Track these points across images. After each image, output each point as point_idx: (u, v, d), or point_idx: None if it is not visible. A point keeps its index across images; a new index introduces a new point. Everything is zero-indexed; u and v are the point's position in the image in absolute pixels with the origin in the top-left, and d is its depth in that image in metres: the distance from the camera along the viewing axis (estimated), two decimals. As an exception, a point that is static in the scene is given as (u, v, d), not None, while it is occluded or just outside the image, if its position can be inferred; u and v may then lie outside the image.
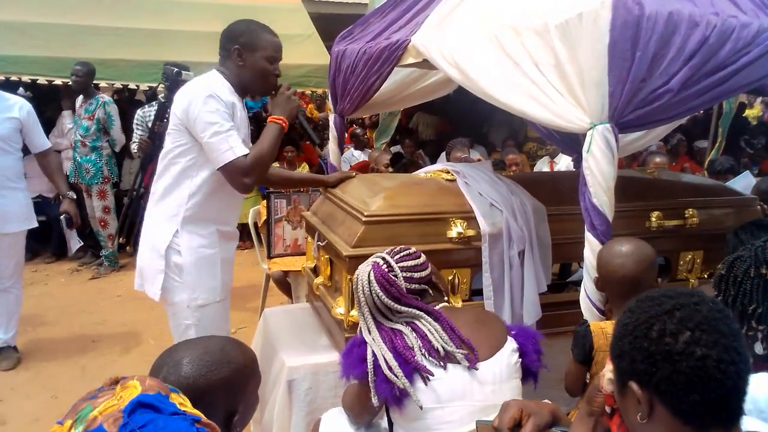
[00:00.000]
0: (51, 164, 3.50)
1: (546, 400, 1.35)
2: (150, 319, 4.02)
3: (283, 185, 3.51)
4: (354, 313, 1.92)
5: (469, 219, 2.18)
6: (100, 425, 0.96)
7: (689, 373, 0.89)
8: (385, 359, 1.47)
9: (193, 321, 2.19)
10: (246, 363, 1.31)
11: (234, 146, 2.04)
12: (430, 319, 1.55)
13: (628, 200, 2.25)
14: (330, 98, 3.10)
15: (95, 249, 5.45)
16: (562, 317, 2.25)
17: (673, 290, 0.99)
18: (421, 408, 1.44)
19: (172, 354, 1.26)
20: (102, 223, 5.17)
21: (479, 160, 4.86)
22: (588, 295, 1.86)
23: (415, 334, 1.51)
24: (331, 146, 3.16)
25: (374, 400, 1.46)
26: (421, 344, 1.49)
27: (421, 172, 2.66)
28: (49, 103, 5.72)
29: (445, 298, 1.69)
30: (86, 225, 5.21)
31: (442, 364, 1.48)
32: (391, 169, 4.44)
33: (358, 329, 1.63)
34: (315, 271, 2.59)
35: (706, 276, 2.47)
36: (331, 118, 3.11)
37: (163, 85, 4.38)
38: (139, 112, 4.74)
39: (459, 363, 1.48)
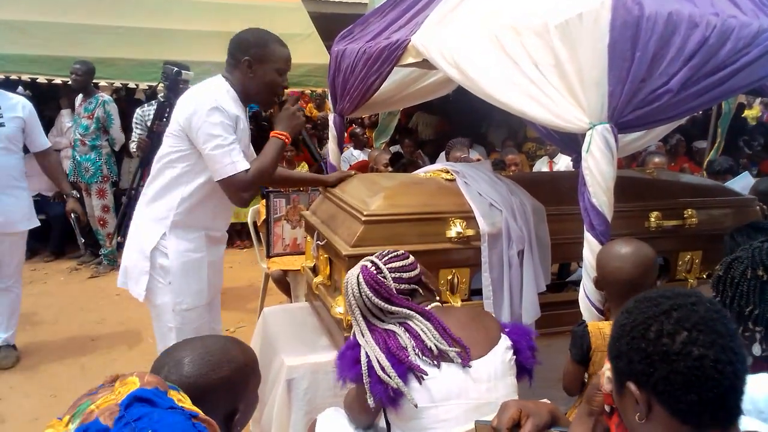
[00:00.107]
0: (52, 164, 3.50)
1: (545, 400, 1.35)
2: (149, 318, 3.94)
3: (283, 184, 3.51)
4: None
5: (469, 219, 2.18)
6: (96, 418, 0.97)
7: (686, 373, 0.89)
8: (377, 360, 1.47)
9: (175, 324, 2.19)
10: (246, 362, 1.32)
11: (236, 160, 2.04)
12: (422, 319, 1.55)
13: (628, 200, 2.25)
14: (329, 98, 3.10)
15: (94, 248, 5.45)
16: (561, 317, 2.25)
17: (671, 291, 0.99)
18: (416, 407, 1.45)
19: (173, 353, 1.26)
20: (101, 222, 5.17)
21: (478, 160, 4.86)
22: (587, 295, 1.86)
23: (408, 335, 1.52)
24: (331, 146, 3.16)
25: (370, 401, 1.47)
26: (414, 344, 1.50)
27: (420, 172, 2.66)
28: (48, 102, 5.71)
29: (437, 298, 1.70)
30: (86, 223, 5.21)
31: (435, 363, 1.48)
32: (390, 169, 4.44)
33: (351, 332, 1.64)
34: (314, 270, 2.59)
35: (704, 276, 2.48)
36: (331, 117, 3.11)
37: (162, 85, 4.38)
38: (138, 111, 4.75)
39: (453, 361, 1.49)
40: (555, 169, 5.56)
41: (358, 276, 1.60)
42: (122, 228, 4.45)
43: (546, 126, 2.44)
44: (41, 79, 5.05)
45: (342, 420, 1.73)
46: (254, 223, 4.18)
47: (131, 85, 5.40)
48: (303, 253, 3.38)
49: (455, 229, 2.15)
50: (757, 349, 1.39)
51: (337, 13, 7.64)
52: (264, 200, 3.91)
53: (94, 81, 5.01)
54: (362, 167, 4.87)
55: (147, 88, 5.45)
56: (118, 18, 5.54)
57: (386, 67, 2.48)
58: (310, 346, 2.34)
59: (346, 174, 2.65)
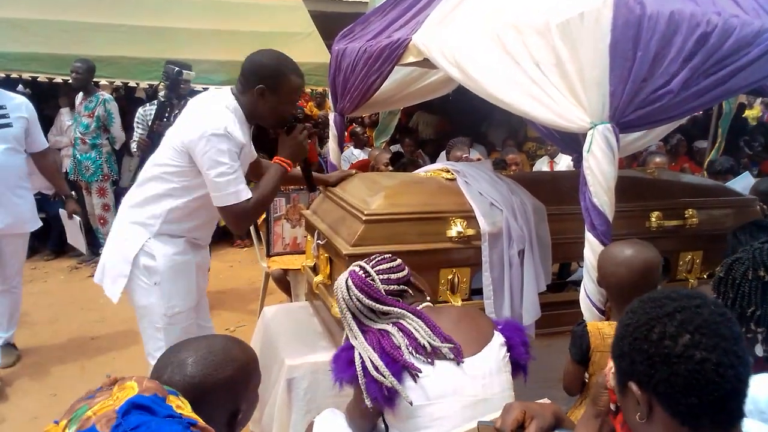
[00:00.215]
0: (50, 164, 3.49)
1: (545, 400, 1.35)
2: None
3: (283, 183, 3.51)
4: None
5: (469, 218, 2.18)
6: (92, 425, 0.96)
7: (687, 375, 0.89)
8: (371, 360, 1.48)
9: (163, 324, 2.19)
10: (248, 361, 1.32)
11: (239, 190, 2.04)
12: (414, 317, 1.56)
13: (628, 200, 2.25)
14: (330, 97, 3.10)
15: (94, 247, 5.45)
16: (562, 317, 2.25)
17: (676, 292, 0.99)
18: (411, 404, 1.45)
19: (176, 354, 1.25)
20: (101, 221, 5.16)
21: (479, 160, 4.86)
22: (588, 295, 1.86)
23: (401, 333, 1.52)
24: (331, 145, 3.15)
25: (367, 402, 1.47)
26: (407, 342, 1.50)
27: (421, 171, 2.66)
28: (48, 100, 5.71)
29: (428, 299, 1.71)
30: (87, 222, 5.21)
31: (429, 360, 1.49)
32: (390, 168, 4.44)
33: (344, 336, 1.65)
34: (314, 269, 2.59)
35: (705, 276, 2.48)
36: (331, 116, 3.10)
37: (163, 84, 4.37)
38: (140, 110, 4.74)
39: (446, 358, 1.49)
40: (556, 168, 5.56)
41: (346, 280, 1.62)
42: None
43: (547, 125, 2.44)
44: (42, 78, 5.05)
45: (339, 421, 1.73)
46: (254, 222, 4.18)
47: (132, 83, 5.40)
48: (303, 253, 3.38)
49: (456, 228, 2.15)
50: (759, 350, 1.39)
51: (338, 11, 7.63)
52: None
53: (94, 79, 5.00)
54: (363, 166, 4.86)
55: (148, 86, 5.44)
56: (118, 16, 5.54)
57: (387, 66, 2.47)
58: (311, 346, 2.33)
59: (346, 173, 2.65)
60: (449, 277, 2.19)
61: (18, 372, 3.40)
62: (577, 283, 2.32)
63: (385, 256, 1.69)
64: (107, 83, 5.32)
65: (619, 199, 1.81)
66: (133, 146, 4.85)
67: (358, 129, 6.59)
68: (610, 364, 1.11)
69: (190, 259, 2.23)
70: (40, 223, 3.50)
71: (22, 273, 3.52)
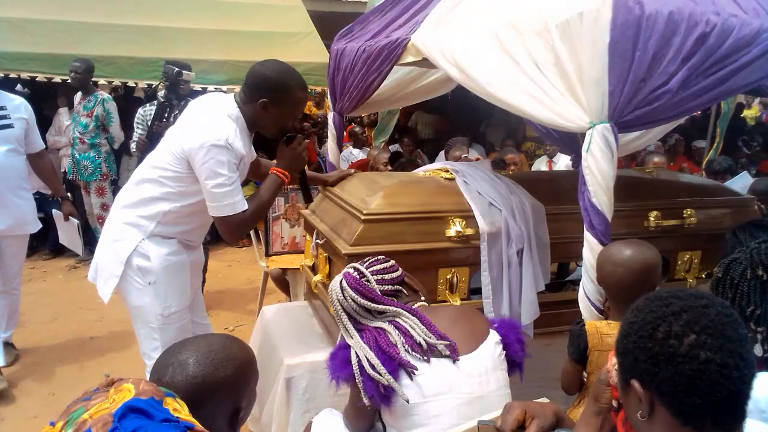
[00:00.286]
0: (47, 165, 3.47)
1: (544, 399, 1.35)
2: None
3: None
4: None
5: (468, 218, 2.18)
6: (88, 429, 0.96)
7: (691, 375, 0.88)
8: (367, 359, 1.49)
9: (158, 324, 2.19)
10: (247, 359, 1.33)
11: (235, 201, 2.04)
12: (410, 315, 1.57)
13: (627, 200, 2.25)
14: (329, 96, 3.10)
15: (93, 246, 5.43)
16: (561, 316, 2.25)
17: (683, 291, 0.98)
18: (407, 402, 1.46)
19: (175, 355, 1.25)
20: (100, 221, 5.16)
21: (478, 159, 4.86)
22: (586, 295, 1.86)
23: (397, 332, 1.54)
24: (330, 144, 3.15)
25: (365, 400, 1.48)
26: (404, 340, 1.51)
27: (419, 171, 2.66)
28: (47, 100, 5.70)
29: (422, 298, 1.72)
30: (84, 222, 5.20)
31: (425, 358, 1.50)
32: (389, 168, 4.44)
33: (339, 336, 1.65)
34: (313, 269, 2.59)
35: (703, 276, 2.48)
36: (330, 116, 3.10)
37: (162, 85, 4.36)
38: (140, 110, 4.74)
39: (442, 356, 1.50)
40: (554, 168, 5.57)
41: (340, 282, 1.63)
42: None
43: (546, 125, 2.44)
44: (40, 77, 5.04)
45: (337, 421, 1.73)
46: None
47: (130, 83, 5.39)
48: (302, 252, 3.38)
49: (455, 228, 2.15)
50: (759, 350, 1.39)
51: (337, 11, 7.63)
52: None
53: (93, 79, 5.00)
54: (363, 166, 4.86)
55: (146, 86, 5.44)
56: (117, 16, 5.54)
57: (386, 65, 2.47)
58: (309, 345, 2.34)
59: (345, 173, 2.65)
60: (448, 277, 2.19)
61: (17, 371, 3.40)
62: (576, 283, 2.33)
63: (379, 257, 1.71)
64: (106, 83, 5.31)
65: (618, 198, 1.81)
66: (133, 146, 4.85)
67: (357, 129, 6.59)
68: (613, 360, 1.11)
69: (184, 259, 2.23)
70: (41, 225, 3.49)
71: (21, 274, 3.52)
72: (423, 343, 1.50)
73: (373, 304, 1.59)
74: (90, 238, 5.42)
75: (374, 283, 1.62)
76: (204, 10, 5.96)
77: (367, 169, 4.60)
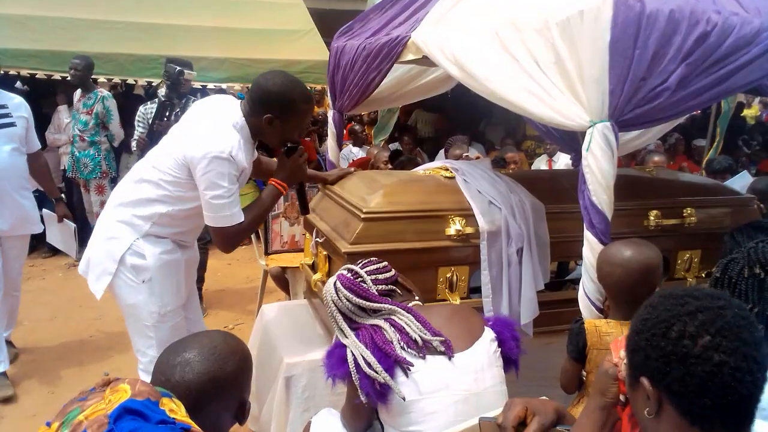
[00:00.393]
0: (43, 166, 3.44)
1: (543, 398, 1.35)
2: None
3: None
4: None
5: (468, 216, 2.18)
6: (84, 430, 0.96)
7: (703, 377, 0.87)
8: (363, 357, 1.49)
9: (153, 322, 2.19)
10: (247, 352, 1.36)
11: (233, 213, 2.05)
12: (405, 313, 1.58)
13: (627, 199, 2.25)
14: (329, 94, 3.09)
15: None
16: (560, 315, 2.25)
17: (700, 291, 0.97)
18: (403, 399, 1.46)
19: (180, 354, 1.25)
20: (99, 219, 5.15)
21: (478, 158, 4.86)
22: (586, 294, 1.86)
23: (393, 329, 1.54)
24: (330, 143, 3.15)
25: (362, 398, 1.48)
26: (399, 337, 1.52)
27: (419, 170, 2.66)
28: (46, 97, 5.69)
29: (416, 298, 1.73)
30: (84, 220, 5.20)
31: (421, 354, 1.50)
32: (390, 166, 4.43)
33: (334, 336, 1.66)
34: (313, 267, 2.59)
35: (703, 275, 2.48)
36: (330, 114, 3.10)
37: (164, 84, 4.35)
38: (141, 108, 4.73)
39: (437, 352, 1.51)
40: (554, 167, 5.56)
41: (334, 283, 1.65)
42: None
43: (546, 123, 2.44)
44: (40, 75, 5.03)
45: (336, 421, 1.74)
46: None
47: (130, 80, 5.38)
48: (302, 251, 3.37)
49: (454, 226, 2.15)
50: None
51: (337, 9, 7.63)
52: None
53: (92, 77, 4.99)
54: (363, 164, 4.86)
55: (146, 84, 5.43)
56: (117, 13, 5.53)
57: (386, 63, 2.47)
58: (309, 344, 2.33)
59: (345, 171, 2.65)
60: (448, 276, 2.19)
61: (16, 370, 3.39)
62: (576, 282, 2.33)
63: (372, 258, 1.74)
64: (105, 80, 5.31)
65: (618, 197, 1.81)
66: (133, 144, 4.84)
67: (357, 127, 6.59)
68: (622, 354, 1.10)
69: (179, 257, 2.24)
70: (43, 227, 3.48)
71: (21, 274, 3.52)
72: (418, 339, 1.51)
73: (367, 303, 1.60)
74: (89, 236, 5.42)
75: (369, 282, 1.63)
76: (204, 7, 5.96)
77: (368, 167, 4.60)
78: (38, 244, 5.48)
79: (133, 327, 2.25)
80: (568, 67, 1.71)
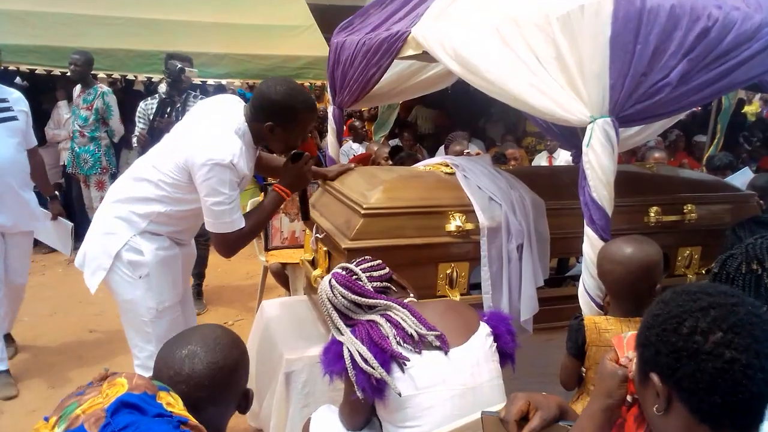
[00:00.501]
0: (39, 162, 3.41)
1: (543, 394, 1.35)
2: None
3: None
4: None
5: (468, 212, 2.17)
6: (81, 425, 0.96)
7: (713, 374, 0.87)
8: (359, 353, 1.50)
9: (150, 318, 2.19)
10: (243, 343, 1.37)
11: (233, 219, 2.05)
12: (400, 308, 1.59)
13: (627, 195, 2.24)
14: (329, 90, 3.09)
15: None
16: (561, 312, 2.25)
17: (713, 287, 0.96)
18: (399, 395, 1.47)
19: (185, 347, 1.25)
20: (99, 215, 5.15)
21: (478, 154, 4.85)
22: (586, 290, 1.86)
23: (389, 324, 1.55)
24: (330, 139, 3.15)
25: (358, 393, 1.48)
26: (395, 332, 1.53)
27: (420, 165, 2.66)
28: (45, 93, 5.68)
29: (411, 295, 1.74)
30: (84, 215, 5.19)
31: (417, 350, 1.51)
32: (390, 162, 4.43)
33: (330, 334, 1.67)
34: (313, 263, 2.59)
35: (704, 272, 2.48)
36: (330, 110, 3.09)
37: (165, 81, 4.34)
38: (141, 104, 4.73)
39: (433, 347, 1.52)
40: (554, 164, 5.55)
41: (330, 281, 1.66)
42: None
43: (547, 117, 2.43)
44: (40, 70, 5.02)
45: (335, 417, 1.74)
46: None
47: (130, 76, 5.37)
48: (302, 247, 3.37)
49: (455, 222, 2.15)
50: None
51: (337, 4, 7.60)
52: (262, 193, 3.89)
53: (92, 72, 4.98)
54: (364, 160, 4.85)
55: (146, 79, 5.42)
56: (116, 8, 5.52)
57: (386, 59, 2.46)
58: (309, 340, 2.33)
59: (345, 167, 2.64)
60: (448, 272, 2.19)
61: (16, 365, 3.39)
62: (576, 278, 2.32)
63: (365, 257, 1.76)
64: (105, 76, 5.30)
65: (618, 194, 1.81)
66: (134, 141, 4.83)
67: (357, 123, 6.58)
68: (631, 354, 1.10)
69: (176, 252, 2.25)
70: (45, 223, 3.47)
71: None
72: (414, 334, 1.52)
73: (363, 299, 1.62)
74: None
75: (365, 279, 1.65)
76: (204, 2, 5.94)
77: (368, 163, 4.60)
78: (37, 240, 5.49)
79: (130, 323, 2.25)
80: (568, 62, 1.70)
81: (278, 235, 3.92)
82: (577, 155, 3.12)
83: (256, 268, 4.59)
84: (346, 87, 2.81)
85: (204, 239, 3.67)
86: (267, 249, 3.92)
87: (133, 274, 2.14)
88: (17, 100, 3.19)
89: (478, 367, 1.54)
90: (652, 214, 2.37)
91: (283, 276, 3.88)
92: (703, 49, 1.72)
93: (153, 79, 5.27)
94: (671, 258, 2.46)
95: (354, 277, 1.65)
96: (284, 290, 3.99)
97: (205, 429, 1.06)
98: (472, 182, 2.27)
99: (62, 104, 5.54)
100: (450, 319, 1.60)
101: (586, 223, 1.82)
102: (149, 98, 4.58)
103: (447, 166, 2.43)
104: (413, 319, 1.55)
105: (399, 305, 1.60)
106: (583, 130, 1.75)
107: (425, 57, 2.37)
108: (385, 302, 1.61)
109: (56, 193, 3.55)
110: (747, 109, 8.91)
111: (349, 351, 1.52)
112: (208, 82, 5.40)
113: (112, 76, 5.36)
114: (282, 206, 3.83)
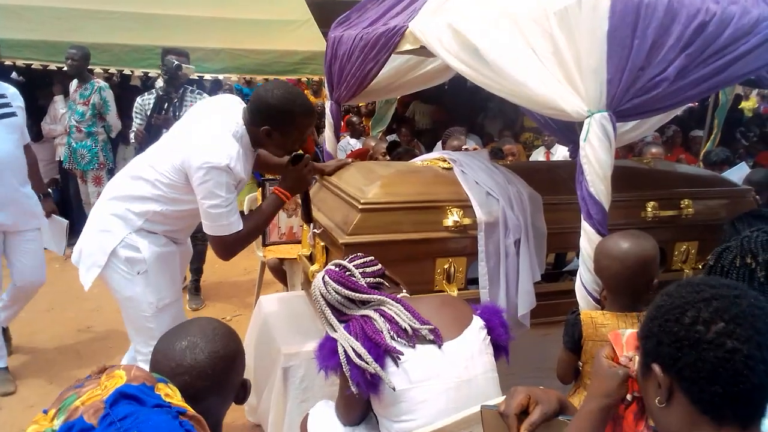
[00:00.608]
0: (32, 159, 3.35)
1: (542, 388, 1.35)
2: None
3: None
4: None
5: (466, 207, 2.18)
6: (80, 416, 0.96)
7: (715, 363, 0.87)
8: (352, 348, 1.50)
9: (151, 313, 2.19)
10: (237, 334, 1.38)
11: (231, 222, 2.05)
12: (394, 303, 1.60)
13: (624, 190, 2.24)
14: (326, 85, 3.08)
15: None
16: (558, 307, 2.25)
17: (717, 280, 0.97)
18: (394, 390, 1.47)
19: (184, 338, 1.25)
20: (97, 210, 5.13)
21: (475, 149, 4.85)
22: (583, 285, 1.86)
23: (383, 318, 1.56)
24: (327, 134, 3.14)
25: (353, 389, 1.49)
26: (389, 327, 1.54)
27: (417, 161, 2.65)
28: (42, 88, 5.66)
29: (404, 290, 1.75)
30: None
31: (411, 344, 1.52)
32: (387, 158, 4.43)
33: (324, 332, 1.67)
34: (310, 258, 2.59)
35: (700, 267, 2.48)
36: (328, 105, 3.09)
37: (162, 78, 4.32)
38: (138, 100, 4.71)
39: (427, 341, 1.53)
40: (552, 159, 5.56)
41: (323, 277, 1.67)
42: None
43: (544, 114, 2.44)
44: (36, 65, 4.99)
45: (332, 413, 1.75)
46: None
47: (126, 71, 5.35)
48: (299, 242, 3.37)
49: (452, 217, 2.15)
50: None
51: None
52: (260, 189, 3.89)
53: (89, 67, 4.96)
54: (362, 155, 4.85)
55: (142, 74, 5.40)
56: (113, 3, 5.48)
57: (383, 54, 2.46)
58: (307, 335, 2.34)
59: (343, 162, 2.64)
60: (445, 267, 2.19)
61: (14, 360, 3.39)
62: (573, 273, 2.33)
63: (358, 254, 1.76)
64: (101, 71, 5.27)
65: (615, 188, 1.81)
66: (131, 137, 4.81)
67: (355, 118, 6.57)
68: (631, 354, 1.10)
69: (174, 250, 2.25)
70: (46, 220, 3.45)
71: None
72: (408, 328, 1.52)
73: (357, 294, 1.62)
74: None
75: (358, 275, 1.65)
76: (201, -3, 5.91)
77: (366, 158, 4.59)
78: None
79: (131, 320, 2.25)
80: (566, 56, 1.70)
81: (276, 231, 3.91)
82: (575, 150, 3.12)
83: (254, 264, 4.58)
84: (343, 82, 2.80)
85: (201, 235, 3.66)
86: (264, 244, 3.91)
87: (131, 270, 2.14)
88: (14, 96, 3.16)
89: (472, 360, 1.55)
90: (649, 209, 2.37)
91: (280, 271, 3.88)
92: (701, 43, 1.72)
93: (150, 74, 5.25)
94: (668, 253, 2.47)
95: (347, 273, 1.66)
96: (282, 286, 3.99)
97: (203, 419, 1.07)
98: (470, 177, 2.27)
99: (59, 99, 5.52)
100: (444, 313, 1.61)
101: (583, 217, 1.82)
102: (146, 94, 4.56)
103: (444, 161, 2.43)
104: (407, 313, 1.56)
105: (392, 300, 1.61)
106: (581, 125, 1.75)
107: (423, 52, 2.37)
108: (379, 297, 1.62)
109: (49, 190, 3.51)
110: (744, 104, 8.90)
111: (343, 347, 1.52)
112: (204, 77, 5.38)
113: (109, 71, 5.33)
114: (280, 202, 3.88)
